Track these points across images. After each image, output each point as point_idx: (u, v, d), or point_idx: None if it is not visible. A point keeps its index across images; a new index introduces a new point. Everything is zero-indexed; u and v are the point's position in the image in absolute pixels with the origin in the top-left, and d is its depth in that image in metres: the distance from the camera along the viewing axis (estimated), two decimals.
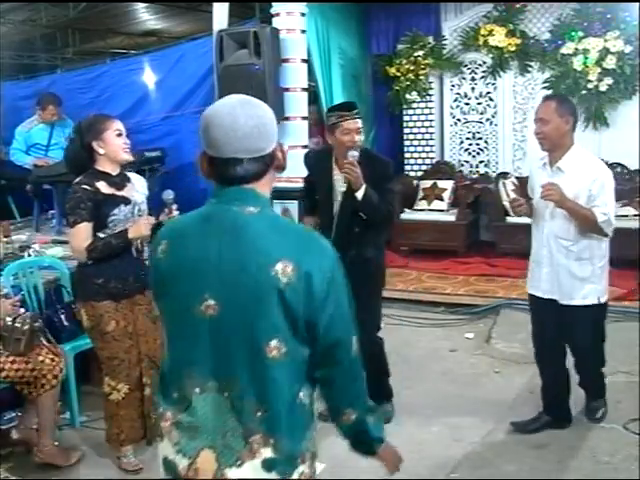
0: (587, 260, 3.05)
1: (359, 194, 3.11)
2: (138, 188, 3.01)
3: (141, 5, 10.96)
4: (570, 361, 3.29)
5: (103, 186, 2.85)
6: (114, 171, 2.90)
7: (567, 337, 3.21)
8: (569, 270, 3.05)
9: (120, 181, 2.92)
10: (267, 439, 1.39)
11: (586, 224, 2.98)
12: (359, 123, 3.20)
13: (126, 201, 2.90)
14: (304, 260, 1.36)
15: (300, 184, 5.91)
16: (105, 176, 2.87)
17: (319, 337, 1.40)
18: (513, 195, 3.19)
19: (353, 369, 1.48)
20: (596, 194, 2.94)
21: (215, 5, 5.78)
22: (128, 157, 2.90)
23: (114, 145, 2.85)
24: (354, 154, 3.11)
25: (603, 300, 3.15)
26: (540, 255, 3.14)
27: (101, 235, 2.85)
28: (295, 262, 1.35)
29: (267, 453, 1.39)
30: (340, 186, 3.21)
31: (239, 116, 1.37)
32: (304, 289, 1.35)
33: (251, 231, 1.38)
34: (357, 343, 1.47)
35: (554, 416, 3.29)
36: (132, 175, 3.05)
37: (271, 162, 1.44)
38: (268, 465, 1.40)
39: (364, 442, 1.71)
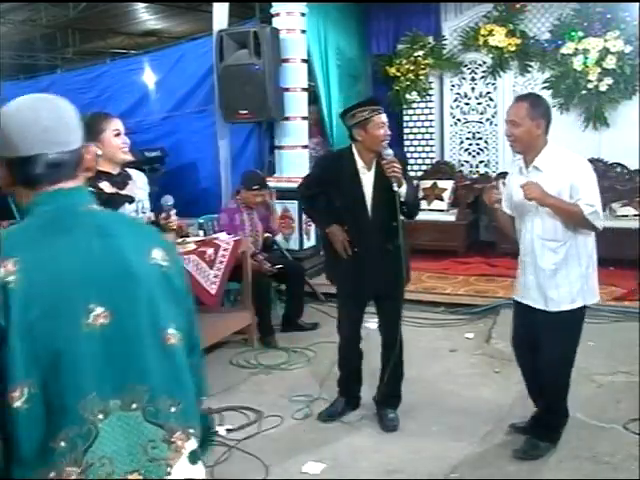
0: (575, 262, 2.91)
1: (403, 190, 3.17)
2: (140, 185, 3.01)
3: (141, 5, 10.96)
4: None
5: (106, 186, 2.85)
6: (114, 170, 2.90)
7: (547, 345, 3.00)
8: (555, 274, 2.92)
9: (122, 180, 2.92)
10: (187, 431, 1.30)
11: (572, 219, 2.85)
12: (385, 118, 3.24)
13: (130, 199, 2.91)
14: (164, 245, 1.37)
15: None
16: (107, 176, 2.87)
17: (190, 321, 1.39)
18: (504, 203, 3.13)
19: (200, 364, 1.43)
20: (579, 186, 2.81)
21: (215, 5, 5.78)
22: (127, 157, 2.89)
23: (112, 146, 2.83)
24: (389, 152, 3.15)
25: (590, 302, 3.01)
26: (525, 262, 3.03)
27: None
28: (161, 247, 1.35)
29: (190, 446, 1.31)
30: (396, 187, 3.16)
31: (41, 110, 1.26)
32: (179, 272, 1.37)
33: (110, 227, 1.31)
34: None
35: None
36: (132, 172, 3.04)
37: (80, 160, 1.33)
38: (193, 458, 1.31)
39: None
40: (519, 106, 2.92)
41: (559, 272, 2.91)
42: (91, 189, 2.80)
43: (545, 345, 2.99)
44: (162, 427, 1.26)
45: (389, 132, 3.23)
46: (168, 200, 2.87)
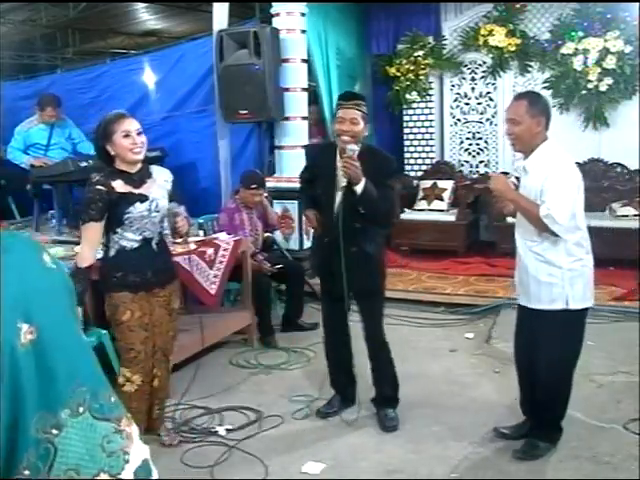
0: (556, 264, 2.88)
1: (358, 188, 3.09)
2: (160, 182, 3.02)
3: (141, 5, 10.97)
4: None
5: (119, 185, 2.88)
6: (132, 169, 2.92)
7: (536, 345, 3.01)
8: (536, 273, 2.92)
9: (139, 179, 2.94)
10: (127, 415, 1.27)
11: (529, 218, 2.86)
12: (354, 114, 3.12)
13: (143, 198, 2.92)
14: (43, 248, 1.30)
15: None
16: (123, 175, 2.90)
17: None
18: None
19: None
20: (545, 190, 2.80)
21: (215, 5, 5.78)
22: (136, 157, 2.89)
23: (121, 147, 2.86)
24: (353, 148, 3.09)
25: (574, 306, 2.90)
26: (517, 260, 3.07)
27: (122, 236, 2.92)
28: (45, 251, 1.28)
29: (135, 428, 1.26)
30: (341, 180, 3.18)
31: None
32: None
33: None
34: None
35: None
36: (156, 169, 3.06)
37: None
38: (140, 438, 1.28)
39: None
40: (518, 104, 2.91)
41: (539, 270, 2.92)
42: (102, 187, 2.86)
43: (534, 343, 3.02)
44: (109, 420, 1.23)
45: (350, 128, 3.10)
46: (174, 207, 3.00)
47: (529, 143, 2.92)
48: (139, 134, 2.89)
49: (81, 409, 1.19)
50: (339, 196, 3.23)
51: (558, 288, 2.89)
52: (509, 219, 6.11)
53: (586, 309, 2.99)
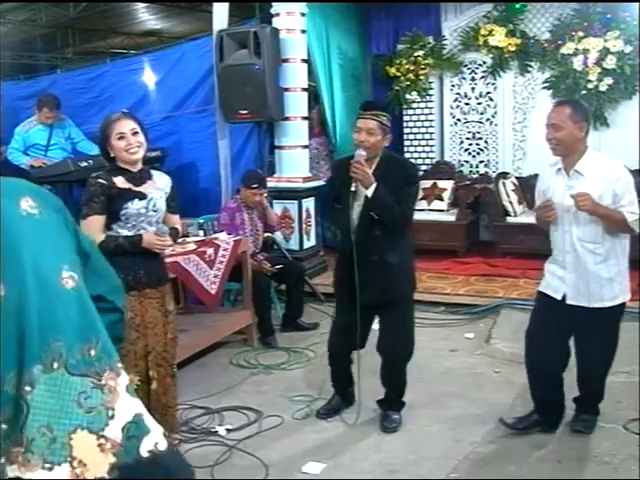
0: (614, 260, 3.03)
1: (369, 192, 3.09)
2: (159, 185, 3.03)
3: (141, 5, 10.97)
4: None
5: (120, 181, 2.90)
6: (133, 168, 2.94)
7: (585, 343, 3.17)
8: (598, 273, 3.02)
9: (139, 177, 2.95)
10: (114, 367, 1.28)
11: (617, 226, 2.98)
12: (372, 124, 3.12)
13: (141, 196, 2.93)
14: (33, 192, 1.33)
15: (300, 184, 5.94)
16: (124, 172, 2.92)
17: None
18: (538, 201, 3.20)
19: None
20: (621, 194, 2.93)
21: (215, 5, 5.78)
22: (132, 157, 2.89)
23: (117, 149, 2.88)
24: (361, 153, 3.10)
25: (628, 298, 3.16)
26: (564, 261, 3.08)
27: (117, 232, 2.91)
28: (30, 196, 1.31)
29: (123, 380, 1.30)
30: (353, 187, 3.14)
31: None
32: (55, 212, 1.36)
33: None
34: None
35: (544, 417, 3.27)
36: (156, 173, 3.08)
37: None
38: (130, 390, 1.30)
39: None
40: (561, 110, 3.01)
41: (601, 271, 3.03)
42: (103, 181, 2.86)
43: (585, 343, 3.17)
44: (87, 375, 1.22)
45: (366, 138, 3.11)
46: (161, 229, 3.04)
47: (571, 148, 3.00)
48: (135, 134, 2.89)
49: (55, 364, 1.18)
50: (358, 205, 3.20)
51: (618, 284, 3.06)
52: (509, 219, 6.15)
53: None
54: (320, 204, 5.99)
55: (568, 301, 3.09)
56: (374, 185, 3.08)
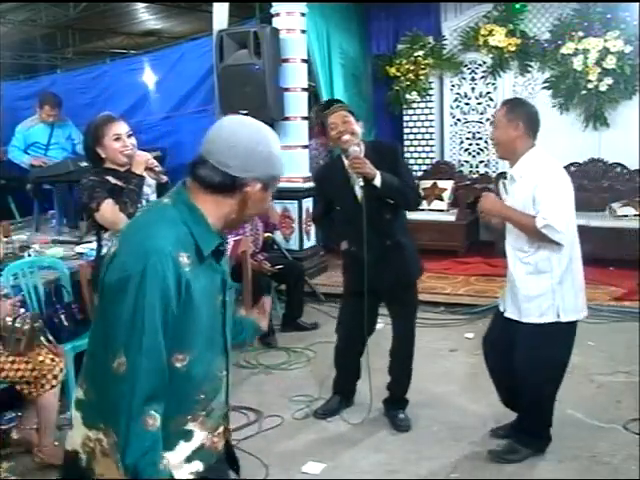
0: (547, 274, 2.81)
1: (377, 182, 3.09)
2: (148, 182, 3.05)
3: (141, 5, 10.96)
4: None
5: (111, 178, 2.93)
6: (122, 168, 2.96)
7: (518, 356, 2.92)
8: (525, 286, 2.85)
9: (129, 177, 2.96)
10: (82, 382, 1.53)
11: (526, 231, 2.78)
12: (344, 113, 3.18)
13: (134, 193, 2.93)
14: (122, 243, 1.43)
15: (300, 184, 5.94)
16: (114, 172, 2.94)
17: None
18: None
19: (107, 389, 1.38)
20: (539, 200, 2.73)
21: (215, 5, 5.78)
22: (124, 160, 2.92)
23: (112, 150, 2.90)
24: (355, 149, 3.12)
25: (565, 319, 2.84)
26: (508, 272, 2.97)
27: (109, 233, 2.91)
28: (119, 242, 1.44)
29: (79, 394, 1.52)
30: (358, 181, 3.17)
31: (236, 127, 1.43)
32: (105, 267, 1.45)
33: (136, 221, 1.54)
34: (121, 366, 1.34)
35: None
36: (144, 172, 3.08)
37: (234, 189, 1.42)
38: (77, 404, 1.52)
39: None
40: (500, 109, 2.95)
41: (529, 283, 2.84)
42: (96, 178, 2.86)
43: (517, 356, 2.93)
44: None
45: (345, 128, 3.13)
46: None
47: (509, 148, 2.87)
48: (129, 136, 2.93)
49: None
50: (361, 198, 3.19)
51: (548, 300, 2.82)
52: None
53: (576, 321, 2.90)
54: None
55: (506, 313, 2.97)
56: (379, 174, 3.09)
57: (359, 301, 3.26)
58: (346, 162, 3.21)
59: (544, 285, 2.82)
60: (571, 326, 2.89)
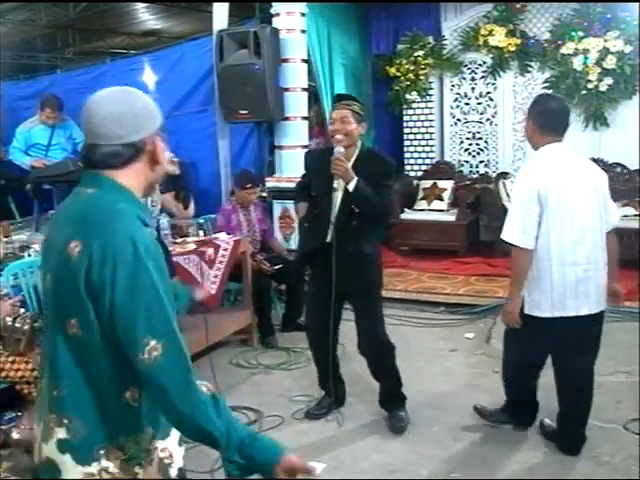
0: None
1: (350, 186, 3.11)
2: None
3: (141, 5, 10.97)
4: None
5: None
6: None
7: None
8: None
9: None
10: (61, 420, 1.39)
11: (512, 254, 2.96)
12: (345, 113, 3.17)
13: None
14: (92, 240, 1.33)
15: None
16: None
17: (107, 327, 1.33)
18: None
19: (152, 378, 1.31)
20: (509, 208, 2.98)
21: (215, 5, 5.78)
22: None
23: None
24: (339, 150, 3.13)
25: (530, 313, 2.96)
26: None
27: None
28: (84, 241, 1.34)
29: (61, 434, 1.39)
30: (335, 184, 3.19)
31: (102, 102, 1.44)
32: (86, 270, 1.32)
33: (70, 211, 1.44)
34: (163, 349, 1.29)
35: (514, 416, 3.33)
36: None
37: (138, 153, 1.43)
38: (61, 446, 1.39)
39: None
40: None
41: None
42: None
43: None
44: (47, 404, 1.43)
45: (342, 127, 3.15)
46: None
47: (530, 142, 3.06)
48: None
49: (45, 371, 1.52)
50: (338, 197, 3.22)
51: (526, 295, 2.97)
52: None
53: (550, 319, 2.93)
54: None
55: None
56: (355, 180, 3.10)
57: (318, 296, 3.35)
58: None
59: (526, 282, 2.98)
60: (541, 323, 2.95)
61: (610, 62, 6.03)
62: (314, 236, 3.33)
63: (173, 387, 1.30)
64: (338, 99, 3.34)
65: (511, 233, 2.89)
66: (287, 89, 5.81)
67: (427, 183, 6.83)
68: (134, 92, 1.50)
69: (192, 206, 3.27)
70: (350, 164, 3.18)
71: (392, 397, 3.46)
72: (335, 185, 3.20)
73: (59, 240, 1.38)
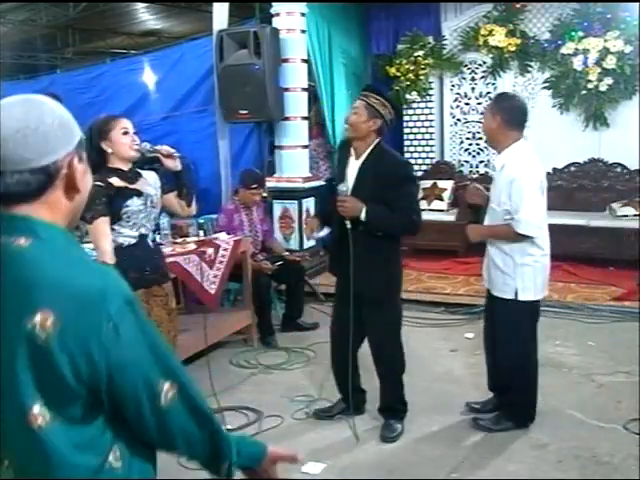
0: (509, 255, 3.14)
1: (362, 217, 3.00)
2: (150, 182, 3.06)
3: (141, 5, 10.96)
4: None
5: (116, 180, 2.93)
6: (126, 167, 2.97)
7: (494, 331, 3.35)
8: (494, 261, 3.23)
9: (133, 176, 2.99)
10: None
11: (508, 239, 3.11)
12: (358, 103, 3.10)
13: (138, 193, 2.96)
14: (69, 309, 1.05)
15: (300, 184, 5.94)
16: (117, 172, 2.94)
17: (106, 399, 1.11)
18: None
19: (168, 425, 1.16)
20: (514, 198, 3.01)
21: (215, 5, 5.78)
22: (133, 154, 2.93)
23: (120, 144, 2.91)
24: (342, 189, 3.04)
25: (523, 298, 3.13)
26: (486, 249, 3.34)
27: (119, 232, 2.91)
28: (57, 312, 1.05)
29: None
30: (348, 224, 3.06)
31: (2, 119, 1.10)
32: (68, 346, 1.05)
33: (14, 271, 1.08)
34: (173, 389, 1.15)
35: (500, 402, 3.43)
36: (144, 172, 3.09)
37: (51, 179, 1.12)
38: None
39: None
40: (489, 105, 3.29)
41: (498, 259, 3.27)
42: (100, 183, 2.88)
43: (493, 329, 3.40)
44: None
45: (352, 117, 3.08)
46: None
47: (492, 139, 3.17)
48: (135, 133, 2.96)
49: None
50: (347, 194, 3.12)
51: (509, 279, 3.14)
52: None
53: (537, 301, 3.20)
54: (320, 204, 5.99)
55: (484, 283, 3.38)
56: (364, 210, 2.99)
57: (340, 299, 3.32)
58: (351, 151, 3.18)
59: (508, 264, 3.16)
60: (531, 306, 3.18)
61: (610, 62, 6.03)
62: (335, 242, 3.27)
63: (197, 416, 1.19)
64: (363, 89, 3.28)
65: (531, 228, 3.02)
66: (287, 89, 5.81)
67: (427, 183, 6.83)
68: (42, 102, 1.15)
69: (195, 204, 3.27)
70: (361, 161, 3.10)
71: (391, 406, 3.40)
72: (348, 177, 3.13)
73: (6, 309, 1.07)
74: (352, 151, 3.17)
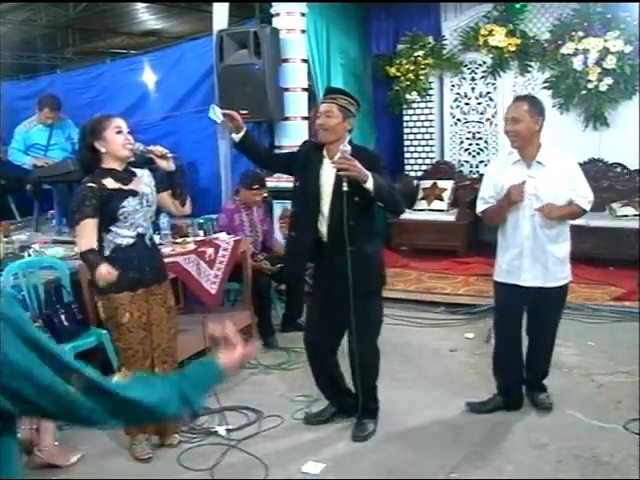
0: (563, 243, 3.33)
1: (369, 185, 2.90)
2: (145, 181, 3.06)
3: (141, 5, 10.96)
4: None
5: (110, 182, 2.93)
6: (120, 167, 2.97)
7: (537, 320, 3.45)
8: (553, 255, 3.29)
9: (127, 176, 2.99)
10: None
11: (576, 217, 3.35)
12: (329, 107, 3.07)
13: (133, 193, 2.96)
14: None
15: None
16: (111, 172, 2.94)
17: None
18: (487, 191, 3.45)
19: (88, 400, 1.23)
20: (577, 183, 3.25)
21: (215, 5, 5.78)
22: (127, 153, 2.94)
23: (114, 143, 2.91)
24: (345, 149, 2.97)
25: (569, 279, 3.42)
26: (522, 247, 3.30)
27: (116, 233, 2.92)
28: None
29: None
30: (345, 187, 2.98)
31: None
32: None
33: None
34: (84, 375, 1.22)
35: (506, 398, 3.52)
36: (137, 170, 3.09)
37: None
38: None
39: None
40: (519, 104, 3.26)
41: (555, 251, 3.31)
42: (92, 185, 2.88)
43: (538, 321, 3.46)
44: None
45: (324, 121, 3.05)
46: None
47: (528, 140, 3.23)
48: (129, 132, 2.97)
49: None
50: (328, 195, 3.11)
51: (565, 265, 3.35)
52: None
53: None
54: None
55: (526, 283, 3.31)
56: (370, 176, 2.92)
57: (317, 297, 3.35)
58: (326, 158, 3.12)
59: (564, 252, 3.35)
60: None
61: (610, 62, 6.03)
62: (298, 232, 3.23)
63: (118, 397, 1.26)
64: (326, 93, 3.28)
65: (591, 204, 3.30)
66: (287, 89, 5.81)
67: (427, 183, 6.83)
68: None
69: (189, 203, 3.27)
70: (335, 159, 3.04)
71: (365, 406, 3.33)
72: (321, 176, 3.10)
73: None
74: (324, 152, 3.15)
